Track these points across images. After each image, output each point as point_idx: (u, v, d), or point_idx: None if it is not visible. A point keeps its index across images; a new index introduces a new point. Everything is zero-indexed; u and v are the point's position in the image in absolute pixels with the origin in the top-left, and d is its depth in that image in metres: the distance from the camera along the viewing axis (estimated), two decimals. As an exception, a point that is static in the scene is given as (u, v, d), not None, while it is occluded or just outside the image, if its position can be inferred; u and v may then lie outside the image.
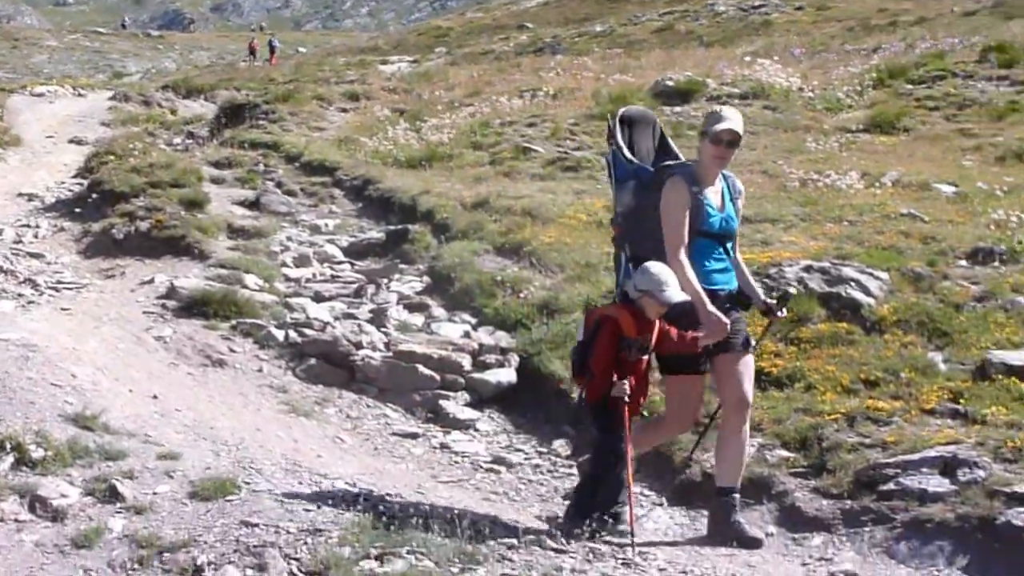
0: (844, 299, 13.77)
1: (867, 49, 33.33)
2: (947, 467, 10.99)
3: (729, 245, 10.24)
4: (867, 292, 13.83)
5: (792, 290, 10.96)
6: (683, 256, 9.83)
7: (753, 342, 10.61)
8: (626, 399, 9.66)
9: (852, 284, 13.93)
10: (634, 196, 10.17)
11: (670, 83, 26.76)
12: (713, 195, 10.06)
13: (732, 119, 9.99)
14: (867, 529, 10.70)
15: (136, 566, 9.23)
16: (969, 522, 10.42)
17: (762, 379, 12.73)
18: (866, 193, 17.96)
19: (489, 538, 9.72)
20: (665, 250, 9.84)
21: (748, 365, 10.25)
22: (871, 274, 14.06)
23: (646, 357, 9.98)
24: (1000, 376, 12.31)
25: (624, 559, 9.34)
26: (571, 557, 9.28)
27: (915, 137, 21.42)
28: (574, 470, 12.06)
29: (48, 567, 9.15)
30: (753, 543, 9.99)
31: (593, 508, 10.02)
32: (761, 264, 14.42)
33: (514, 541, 9.70)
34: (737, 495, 10.14)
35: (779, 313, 10.40)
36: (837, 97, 25.30)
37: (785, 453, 11.73)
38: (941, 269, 14.45)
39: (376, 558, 9.17)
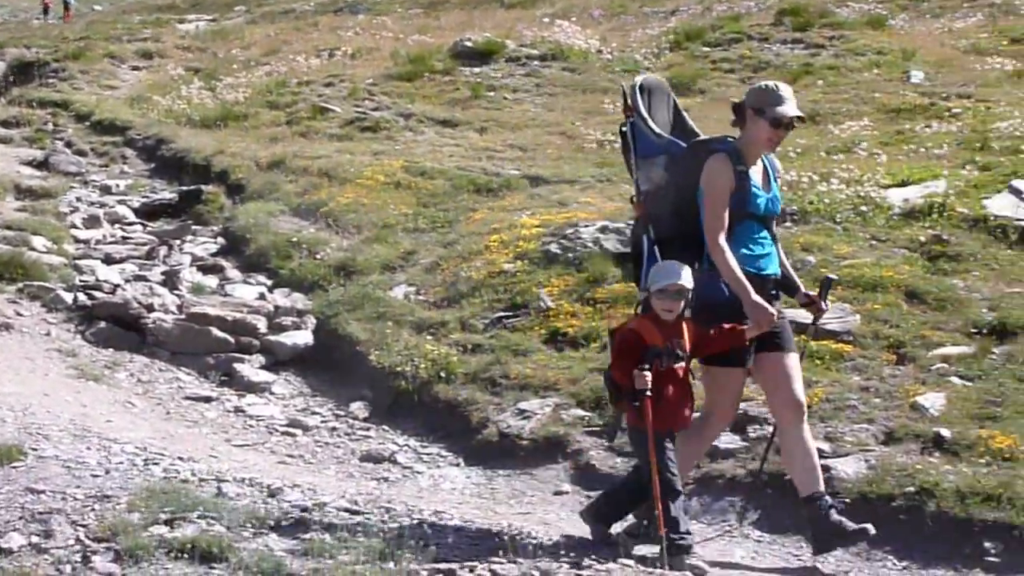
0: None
1: (665, 12, 33.43)
2: (738, 424, 11.01)
3: (772, 229, 9.29)
4: (658, 252, 13.77)
5: (834, 276, 9.88)
6: (723, 241, 8.90)
7: (802, 344, 9.74)
8: (647, 392, 8.64)
9: (645, 244, 13.83)
10: (666, 172, 9.22)
11: (469, 44, 26.51)
12: (757, 174, 9.10)
13: (793, 102, 9.00)
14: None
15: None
16: (759, 477, 10.43)
17: (558, 339, 12.70)
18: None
19: (284, 500, 9.52)
20: (703, 233, 8.97)
21: (795, 365, 9.25)
22: (665, 235, 14.01)
23: (682, 365, 8.90)
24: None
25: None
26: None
27: (711, 99, 21.50)
28: (371, 432, 11.89)
29: None
30: (861, 533, 8.98)
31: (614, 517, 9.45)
32: (558, 225, 14.33)
33: (308, 503, 9.53)
34: (826, 498, 9.09)
35: (823, 305, 9.43)
36: (635, 59, 25.31)
37: (580, 412, 11.69)
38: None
39: (166, 523, 8.94)
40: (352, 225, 15.17)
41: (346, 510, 9.46)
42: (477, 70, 24.31)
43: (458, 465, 11.42)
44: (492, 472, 11.20)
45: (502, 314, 13.16)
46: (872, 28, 26.12)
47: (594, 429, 11.42)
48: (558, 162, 17.37)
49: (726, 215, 8.93)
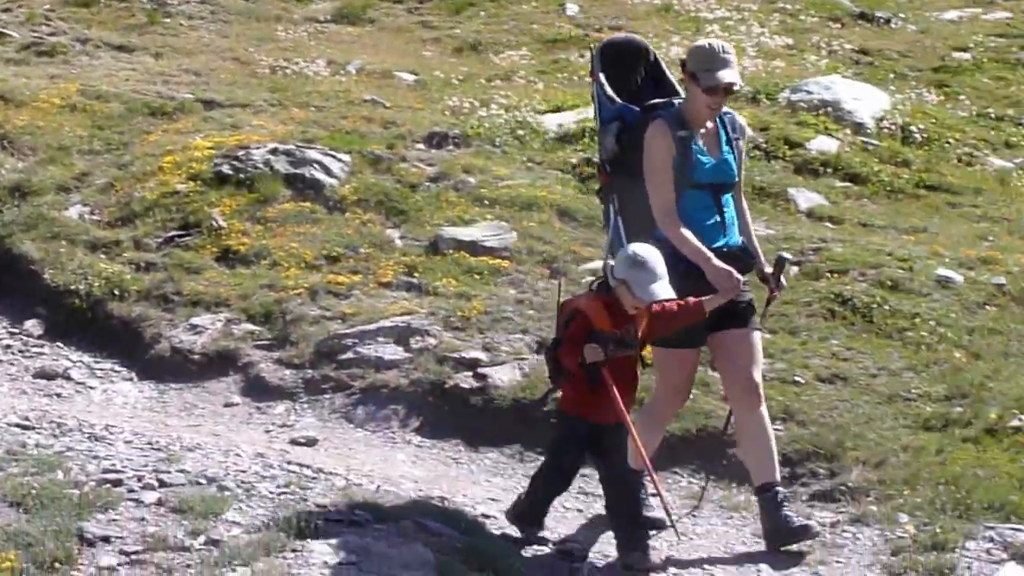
0: (308, 180, 13.71)
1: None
2: (401, 336, 11.18)
3: (727, 196, 8.26)
4: (329, 173, 13.81)
5: (787, 255, 8.58)
6: (674, 214, 8.04)
7: (757, 319, 8.53)
8: (603, 358, 7.64)
9: (316, 166, 13.88)
10: (617, 140, 8.31)
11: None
12: (705, 139, 8.10)
13: (729, 66, 8.01)
14: (327, 396, 10.85)
15: None
16: (421, 386, 10.65)
17: (229, 257, 12.64)
18: (332, 80, 17.96)
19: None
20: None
21: (753, 344, 8.28)
22: (334, 156, 14.06)
23: (631, 353, 7.90)
24: (451, 251, 12.53)
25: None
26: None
27: (380, 28, 21.50)
28: (45, 350, 11.70)
29: None
30: (804, 532, 8.08)
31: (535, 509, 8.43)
32: (230, 147, 14.22)
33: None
34: (780, 488, 8.19)
35: (779, 282, 8.42)
36: (308, -10, 25.16)
37: (251, 327, 11.68)
38: (399, 152, 14.58)
39: None
40: (27, 147, 14.77)
41: (17, 425, 9.32)
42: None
43: (131, 380, 11.31)
44: (164, 386, 11.14)
45: (175, 233, 13.02)
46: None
47: (263, 343, 11.45)
48: (231, 87, 17.19)
49: (671, 186, 8.05)
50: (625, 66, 8.69)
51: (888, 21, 21.35)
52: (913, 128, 16.47)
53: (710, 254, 7.93)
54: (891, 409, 10.06)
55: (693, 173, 7.99)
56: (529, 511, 8.35)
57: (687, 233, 8.00)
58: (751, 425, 8.20)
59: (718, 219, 8.16)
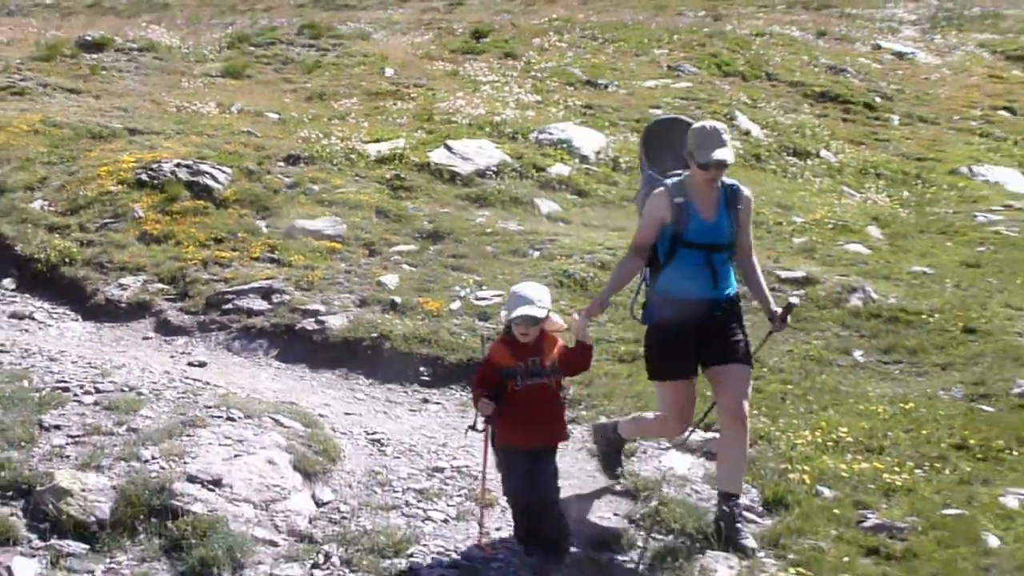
0: (202, 185, 13.57)
1: (226, 23, 32.51)
2: (266, 293, 11.22)
3: (720, 255, 6.96)
4: (217, 180, 13.68)
5: (795, 300, 7.32)
6: (632, 256, 7.04)
7: (751, 350, 7.26)
8: (486, 416, 6.58)
9: (208, 175, 13.73)
10: (641, 203, 7.26)
11: (89, 38, 24.95)
12: (703, 205, 6.89)
13: (721, 145, 6.78)
14: (214, 334, 10.84)
15: None
16: (279, 328, 10.70)
17: (146, 237, 12.54)
18: (220, 117, 17.70)
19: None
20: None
21: (742, 376, 7.00)
22: (220, 169, 13.91)
23: (544, 381, 6.54)
24: (301, 236, 12.55)
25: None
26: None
27: (255, 82, 21.22)
28: (17, 299, 11.48)
29: None
30: (746, 551, 6.73)
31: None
32: (147, 161, 14.06)
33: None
34: (740, 500, 7.07)
35: (784, 322, 7.15)
36: (204, 53, 24.29)
37: (161, 286, 11.61)
38: (266, 167, 14.49)
39: None
40: (3, 159, 14.36)
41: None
42: (95, 56, 22.91)
43: (77, 320, 11.14)
44: (100, 325, 11.01)
45: (108, 220, 12.81)
46: (362, 39, 26.03)
47: (169, 297, 11.40)
48: (149, 120, 16.84)
49: (647, 237, 6.95)
50: (669, 141, 7.30)
51: (607, 87, 21.64)
52: (620, 159, 16.75)
53: (605, 291, 7.01)
54: (597, 348, 10.26)
55: (686, 233, 6.82)
56: (517, 528, 6.85)
57: (616, 272, 7.11)
58: (732, 445, 6.93)
59: (709, 273, 6.89)
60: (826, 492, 7.69)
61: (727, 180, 6.97)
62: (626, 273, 7.10)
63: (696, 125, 7.00)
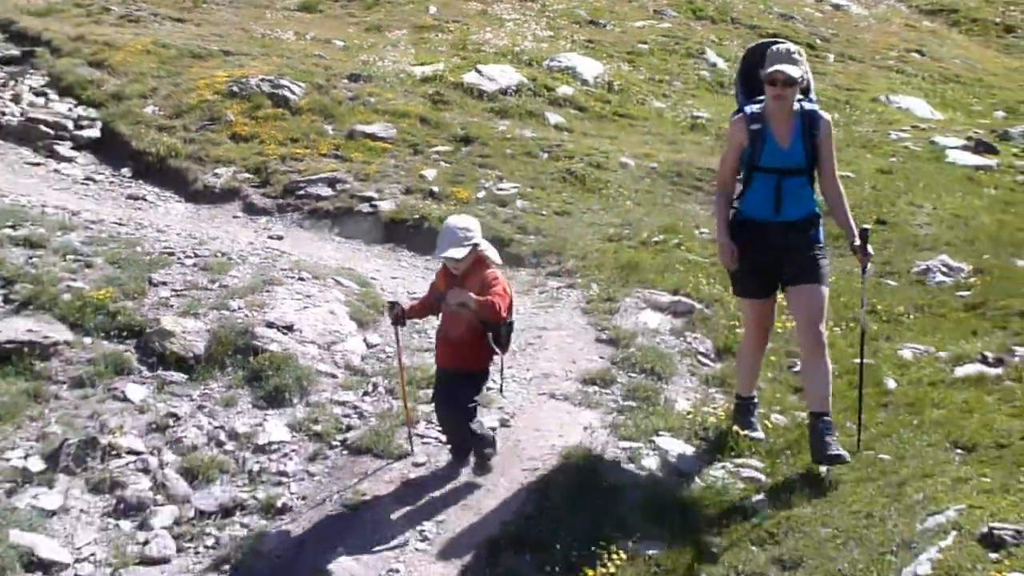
0: (280, 96, 13.25)
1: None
2: (331, 182, 11.10)
3: (793, 180, 5.78)
4: (293, 92, 13.34)
5: (867, 226, 5.98)
6: (718, 194, 6.07)
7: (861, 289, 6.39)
8: (398, 319, 5.87)
9: (286, 88, 13.43)
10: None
11: None
12: (779, 131, 5.76)
13: (788, 63, 5.67)
14: (289, 214, 10.77)
15: None
16: (340, 210, 10.67)
17: (236, 137, 12.38)
18: (296, 43, 17.33)
19: (80, 219, 9.16)
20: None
21: (815, 297, 5.80)
22: (296, 84, 13.56)
23: (464, 312, 5.51)
24: (360, 138, 12.36)
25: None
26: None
27: (325, 16, 20.71)
28: (133, 185, 11.44)
29: None
30: (836, 459, 5.60)
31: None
32: (237, 77, 13.80)
33: (95, 219, 9.17)
34: (827, 418, 5.75)
35: (866, 251, 5.85)
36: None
37: (248, 175, 11.45)
38: (333, 83, 14.13)
39: (11, 227, 8.46)
40: (122, 72, 14.13)
41: (116, 223, 9.18)
42: None
43: (180, 202, 11.03)
44: (199, 206, 10.91)
45: (206, 123, 12.63)
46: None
47: (254, 184, 11.23)
48: (239, 44, 16.51)
49: (728, 168, 5.95)
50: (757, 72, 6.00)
51: (605, 25, 21.15)
52: (614, 83, 16.46)
53: (721, 227, 5.95)
54: (591, 230, 10.24)
55: (760, 158, 5.75)
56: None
57: (716, 206, 6.09)
58: (812, 367, 5.81)
59: (776, 198, 5.76)
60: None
61: (807, 106, 5.77)
62: (721, 209, 6.01)
63: (772, 47, 5.83)
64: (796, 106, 5.78)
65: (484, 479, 5.87)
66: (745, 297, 6.13)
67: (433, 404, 6.04)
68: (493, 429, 6.30)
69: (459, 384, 5.77)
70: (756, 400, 6.42)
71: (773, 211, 5.80)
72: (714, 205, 6.25)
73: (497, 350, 5.71)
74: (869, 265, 6.14)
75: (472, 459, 6.00)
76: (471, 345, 5.68)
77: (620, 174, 12.05)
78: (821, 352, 5.78)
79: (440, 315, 5.90)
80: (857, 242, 5.83)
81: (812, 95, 6.00)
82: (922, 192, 11.94)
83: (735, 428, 6.21)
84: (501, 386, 6.25)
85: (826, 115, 5.84)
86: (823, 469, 5.67)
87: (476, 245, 5.61)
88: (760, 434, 6.20)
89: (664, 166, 12.49)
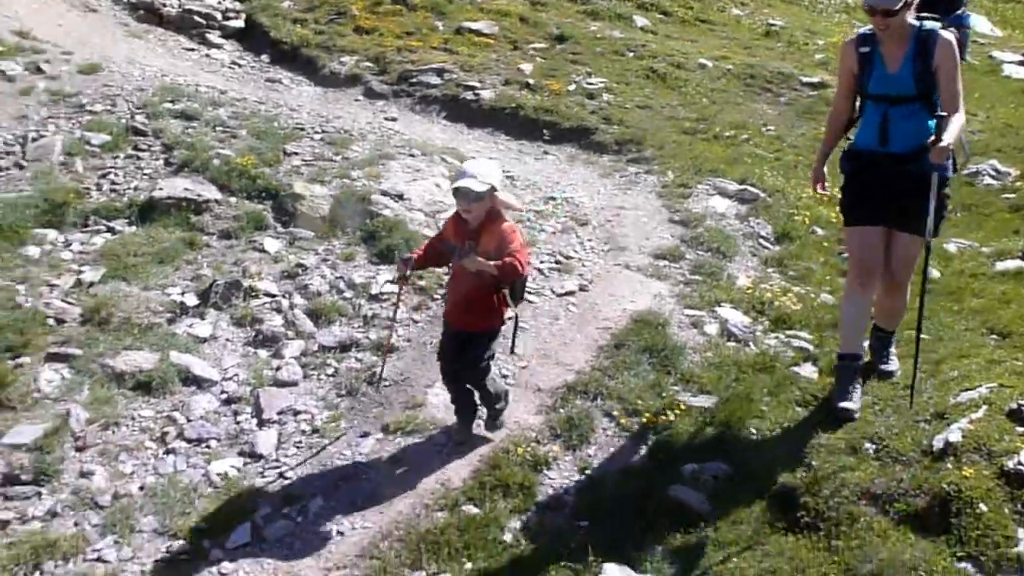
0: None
1: None
2: (440, 72, 10.85)
3: (899, 108, 4.55)
4: None
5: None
6: (829, 115, 4.97)
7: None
8: (396, 276, 5.31)
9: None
10: None
11: None
12: (890, 55, 4.56)
13: None
14: (402, 99, 10.58)
15: (50, 102, 8.40)
16: (447, 97, 10.47)
17: (359, 29, 12.17)
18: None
19: (227, 98, 9.21)
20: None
21: (908, 248, 4.68)
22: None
23: (471, 264, 4.36)
24: (466, 33, 12.08)
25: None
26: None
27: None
28: (271, 70, 11.40)
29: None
30: (843, 413, 4.68)
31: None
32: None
33: (240, 99, 9.21)
34: (846, 362, 4.84)
35: (939, 141, 4.26)
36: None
37: (368, 64, 11.20)
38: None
39: (170, 101, 8.61)
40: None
41: (257, 101, 9.24)
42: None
43: (310, 86, 10.93)
44: (326, 89, 10.75)
45: (333, 16, 12.37)
46: None
47: (374, 72, 11.01)
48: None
49: (839, 95, 4.86)
50: None
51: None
52: (696, -10, 15.81)
53: (819, 156, 5.00)
54: (670, 123, 9.95)
55: (868, 84, 4.62)
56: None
57: (825, 132, 4.98)
58: (885, 300, 4.92)
59: (881, 128, 4.58)
60: (819, 231, 7.49)
61: (927, 25, 4.55)
62: (825, 138, 5.00)
63: None
64: (913, 25, 4.54)
65: (563, 335, 5.88)
66: (847, 225, 4.85)
67: (439, 358, 4.90)
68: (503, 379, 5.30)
69: (472, 342, 4.70)
70: (861, 362, 4.93)
71: (879, 142, 4.62)
72: (827, 124, 5.02)
73: (511, 304, 4.69)
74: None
75: (483, 415, 4.99)
76: (483, 302, 4.61)
77: (698, 74, 11.63)
78: (898, 293, 4.85)
79: (451, 268, 4.78)
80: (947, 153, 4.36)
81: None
82: (976, 101, 11.27)
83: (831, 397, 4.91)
84: (513, 344, 4.88)
85: (948, 34, 4.53)
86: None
87: (493, 188, 4.43)
88: (852, 404, 4.74)
89: (738, 68, 12.01)
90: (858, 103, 4.80)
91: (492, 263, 4.37)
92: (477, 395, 4.90)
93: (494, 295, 4.61)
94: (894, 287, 4.84)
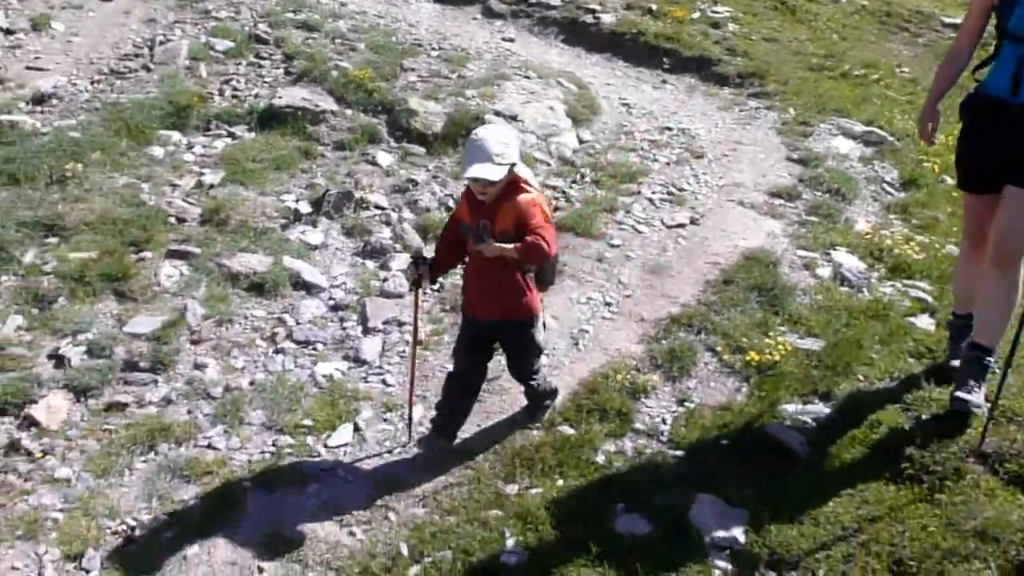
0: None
1: None
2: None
3: None
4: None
5: None
6: (952, 47, 4.20)
7: None
8: (417, 282, 4.15)
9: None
10: None
11: None
12: None
13: None
14: (521, 20, 10.45)
15: (177, 7, 8.58)
16: (566, 20, 10.30)
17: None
18: None
19: (346, 9, 9.24)
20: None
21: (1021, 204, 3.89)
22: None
23: (488, 250, 3.79)
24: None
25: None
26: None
27: None
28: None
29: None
30: (959, 403, 4.07)
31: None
32: None
33: (359, 10, 9.23)
34: (979, 356, 4.15)
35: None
36: None
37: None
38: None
39: (293, 10, 8.68)
40: None
41: (376, 15, 9.31)
42: None
43: (429, 2, 10.73)
44: (444, 7, 10.55)
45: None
46: None
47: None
48: None
49: (966, 27, 4.12)
50: None
51: None
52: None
53: (932, 95, 4.19)
54: (796, 58, 9.63)
55: (1008, 21, 3.85)
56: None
57: (941, 69, 4.21)
58: (987, 289, 4.06)
59: (1015, 73, 3.82)
60: (949, 180, 7.14)
61: None
62: (940, 76, 4.22)
63: None
64: None
65: (670, 266, 5.82)
66: (960, 188, 4.27)
67: (454, 358, 4.36)
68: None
69: (512, 335, 4.14)
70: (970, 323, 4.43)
71: (1010, 90, 3.88)
72: (944, 60, 4.28)
73: (537, 290, 4.10)
74: None
75: (528, 406, 4.51)
76: (511, 286, 4.00)
77: (830, 8, 11.14)
78: (1003, 273, 3.99)
79: (468, 254, 4.06)
80: None
81: None
82: None
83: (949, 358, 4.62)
84: (543, 324, 4.30)
85: None
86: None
87: (513, 166, 3.79)
88: (973, 397, 4.13)
89: (874, 4, 11.46)
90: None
91: (512, 246, 3.75)
92: (523, 391, 4.42)
93: (520, 276, 3.99)
94: (1000, 265, 3.99)
